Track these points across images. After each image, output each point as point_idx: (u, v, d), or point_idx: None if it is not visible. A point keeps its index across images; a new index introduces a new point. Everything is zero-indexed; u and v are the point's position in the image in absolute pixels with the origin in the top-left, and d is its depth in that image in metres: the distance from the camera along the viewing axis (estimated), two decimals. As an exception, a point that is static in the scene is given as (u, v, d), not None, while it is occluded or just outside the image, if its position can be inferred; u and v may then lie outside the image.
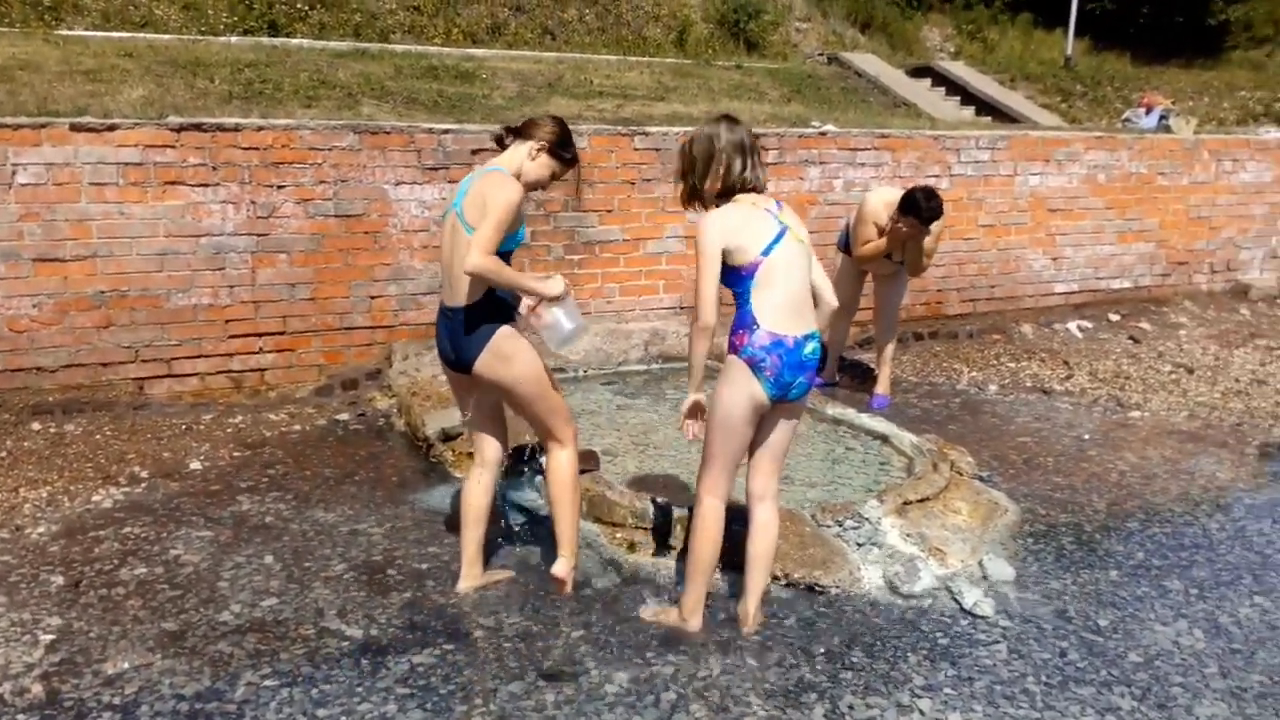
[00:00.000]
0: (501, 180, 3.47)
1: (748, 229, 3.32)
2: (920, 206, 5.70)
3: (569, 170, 3.73)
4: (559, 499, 3.72)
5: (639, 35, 17.34)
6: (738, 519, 3.63)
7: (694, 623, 3.57)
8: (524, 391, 3.58)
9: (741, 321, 3.34)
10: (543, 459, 4.02)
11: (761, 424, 3.47)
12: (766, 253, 3.31)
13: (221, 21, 13.41)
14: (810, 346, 3.39)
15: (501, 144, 3.69)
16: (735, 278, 3.32)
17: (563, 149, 3.65)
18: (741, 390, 3.34)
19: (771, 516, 3.56)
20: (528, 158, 3.60)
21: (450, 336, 3.58)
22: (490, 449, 3.80)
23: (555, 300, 3.55)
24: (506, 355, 3.52)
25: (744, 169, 3.38)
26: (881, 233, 6.00)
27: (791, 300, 3.35)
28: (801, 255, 3.40)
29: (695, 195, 3.48)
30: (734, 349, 3.35)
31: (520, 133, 3.65)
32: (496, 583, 3.86)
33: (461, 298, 3.51)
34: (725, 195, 3.40)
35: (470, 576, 3.82)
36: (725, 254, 3.29)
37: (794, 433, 3.56)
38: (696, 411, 3.48)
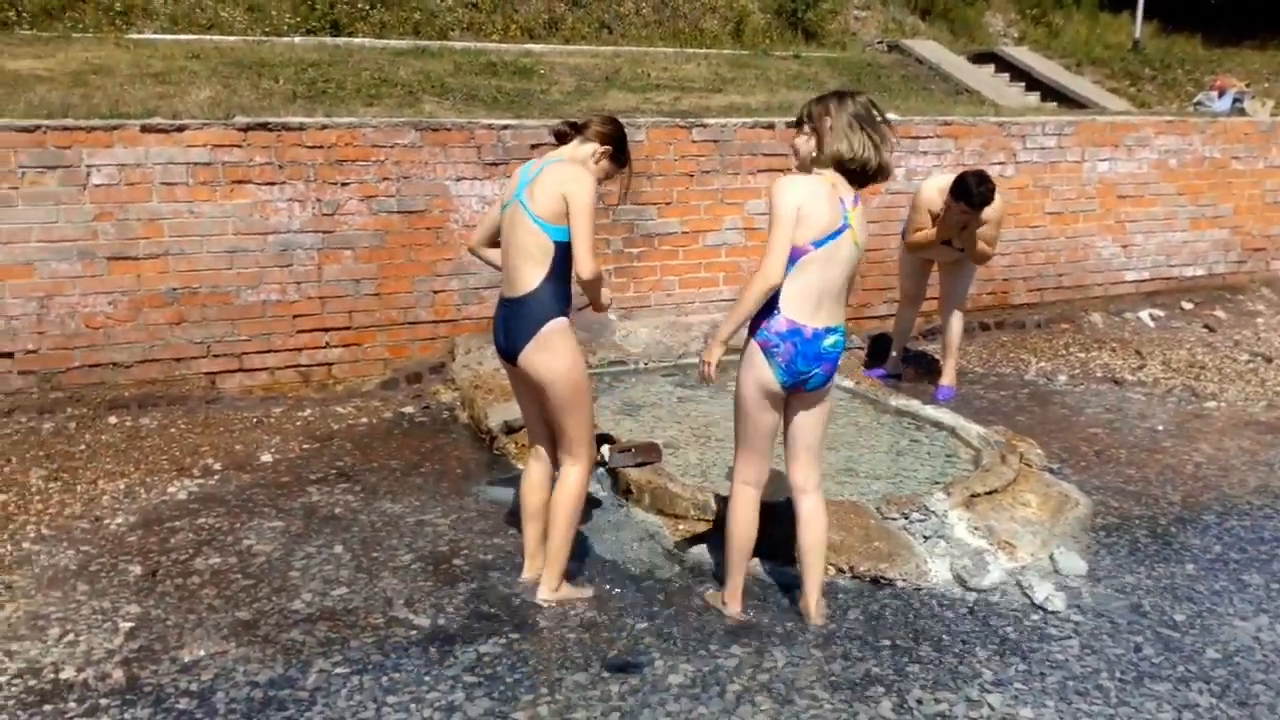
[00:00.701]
0: (578, 173, 3.48)
1: (818, 205, 3.26)
2: (971, 191, 5.61)
3: (620, 174, 3.77)
4: (558, 518, 3.62)
5: (695, 27, 17.26)
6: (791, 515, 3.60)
7: (733, 608, 3.59)
8: (560, 392, 3.53)
9: (767, 304, 3.33)
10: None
11: (787, 413, 3.48)
12: (819, 245, 3.27)
13: (285, 22, 13.62)
14: (831, 340, 3.37)
15: (563, 139, 3.68)
16: (791, 253, 3.29)
17: (621, 153, 3.69)
18: (753, 374, 3.37)
19: (816, 507, 3.54)
20: (591, 159, 3.63)
21: (505, 326, 3.59)
22: (545, 444, 3.80)
23: (601, 309, 3.74)
24: (554, 348, 3.50)
25: (860, 147, 3.26)
26: (935, 220, 5.92)
27: (820, 293, 3.32)
28: (850, 255, 3.35)
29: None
30: (752, 330, 3.37)
31: (583, 130, 3.66)
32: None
33: (520, 288, 3.52)
34: (833, 168, 3.32)
35: (533, 568, 3.84)
36: (799, 210, 3.23)
37: (824, 421, 3.53)
38: (716, 358, 3.44)
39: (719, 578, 3.83)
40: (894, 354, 6.74)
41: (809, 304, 3.31)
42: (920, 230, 6.02)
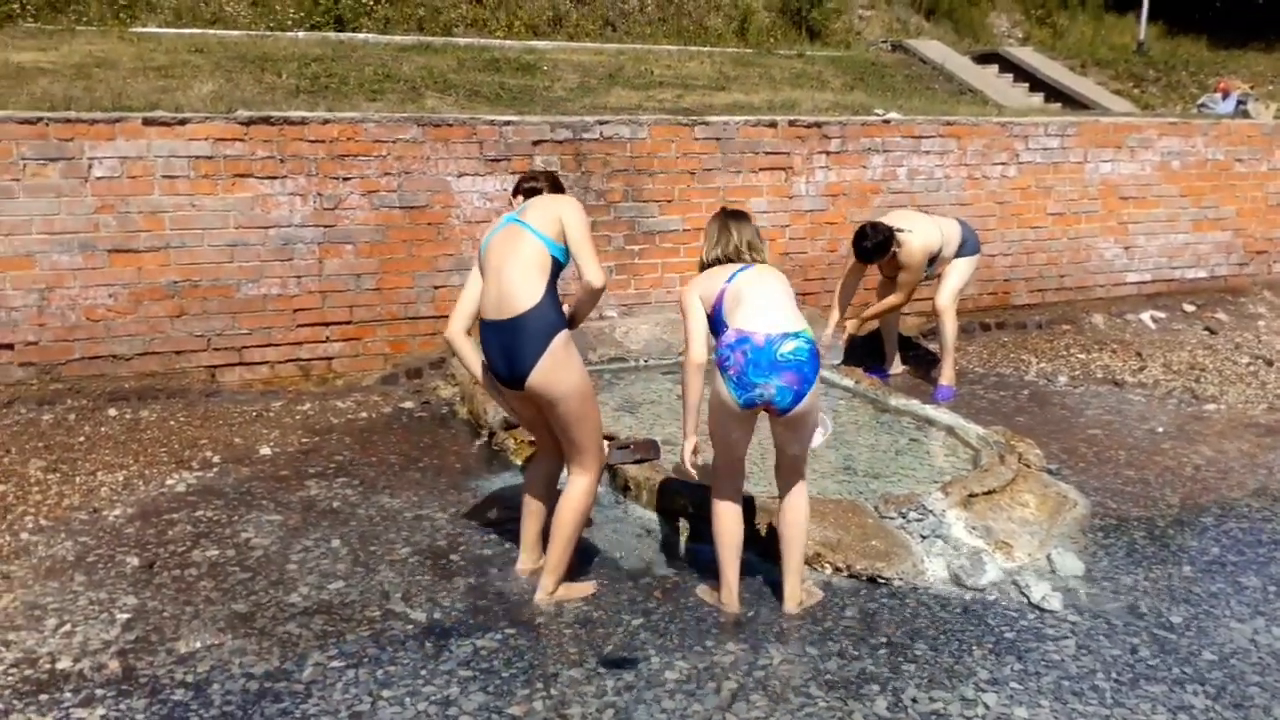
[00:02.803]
0: (568, 200, 3.66)
1: (712, 280, 3.56)
2: (856, 245, 6.12)
3: None
4: (562, 526, 3.60)
5: (700, 25, 17.25)
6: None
7: (730, 606, 3.60)
8: (572, 406, 3.50)
9: (716, 333, 3.47)
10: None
11: (774, 436, 3.56)
12: (730, 280, 3.48)
13: (289, 17, 13.62)
14: (791, 345, 3.32)
15: (535, 194, 3.80)
16: (712, 320, 3.47)
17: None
18: (715, 395, 3.44)
19: (797, 492, 3.62)
20: None
21: (504, 351, 3.49)
22: (554, 447, 3.79)
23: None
24: (565, 363, 3.47)
25: (721, 246, 3.63)
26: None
27: (764, 304, 3.43)
28: (769, 273, 3.56)
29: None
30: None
31: (544, 184, 3.85)
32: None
33: (520, 305, 3.43)
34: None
35: (530, 559, 3.86)
36: (702, 301, 3.51)
37: (808, 439, 3.58)
38: (695, 454, 3.56)
39: (715, 573, 3.83)
40: (891, 353, 6.75)
41: (755, 313, 3.40)
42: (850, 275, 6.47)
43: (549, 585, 3.66)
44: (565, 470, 3.75)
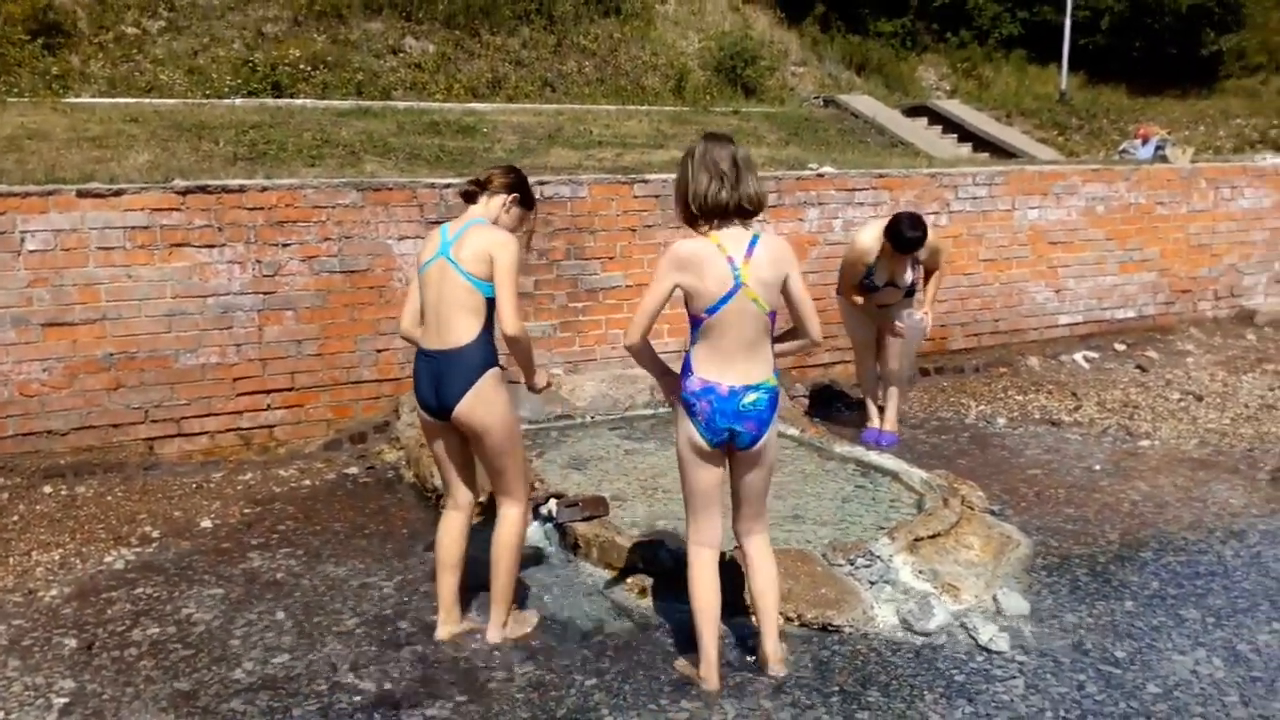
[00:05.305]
0: (502, 236, 3.61)
1: (703, 273, 3.26)
2: (903, 237, 5.81)
3: (529, 216, 3.90)
4: (499, 558, 3.69)
5: (637, 85, 17.57)
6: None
7: (710, 681, 3.44)
8: (497, 439, 3.62)
9: (684, 365, 3.41)
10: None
11: (730, 471, 3.51)
12: (713, 311, 3.27)
13: (226, 84, 13.63)
14: (751, 397, 3.35)
15: (472, 198, 3.76)
16: (690, 319, 3.39)
17: (527, 196, 3.82)
18: (682, 431, 3.42)
19: (761, 549, 3.55)
20: (502, 210, 3.74)
21: (435, 379, 3.60)
22: (463, 493, 3.83)
23: (534, 391, 3.87)
24: (493, 397, 3.59)
25: (715, 190, 3.27)
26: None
27: (732, 351, 3.32)
28: (752, 311, 3.29)
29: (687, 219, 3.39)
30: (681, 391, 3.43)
31: (487, 185, 3.74)
32: (473, 631, 3.82)
33: (453, 340, 3.56)
34: (702, 218, 3.32)
35: (450, 622, 3.82)
36: (679, 288, 3.30)
37: (766, 477, 3.52)
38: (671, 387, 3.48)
39: (672, 630, 3.82)
40: (887, 411, 6.48)
41: (721, 363, 3.34)
42: (852, 288, 6.20)
43: (501, 618, 3.70)
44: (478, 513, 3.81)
